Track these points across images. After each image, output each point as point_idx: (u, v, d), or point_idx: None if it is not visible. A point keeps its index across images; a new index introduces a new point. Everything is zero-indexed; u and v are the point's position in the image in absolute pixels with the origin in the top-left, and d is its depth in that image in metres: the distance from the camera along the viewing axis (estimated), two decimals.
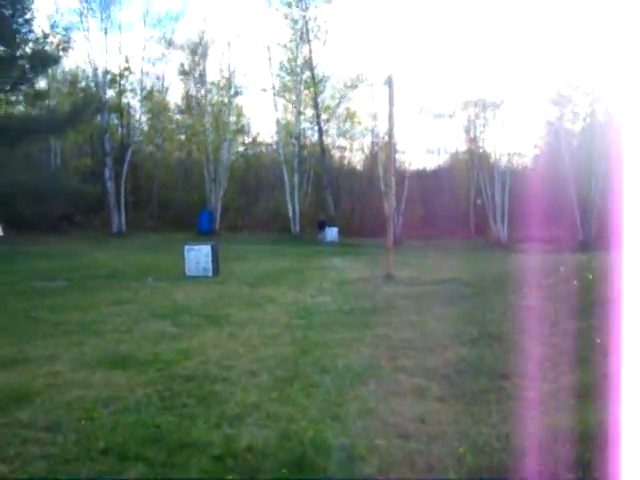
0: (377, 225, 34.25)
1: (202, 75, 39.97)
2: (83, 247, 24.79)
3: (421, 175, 42.93)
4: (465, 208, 40.97)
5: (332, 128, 43.45)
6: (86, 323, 8.57)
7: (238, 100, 42.10)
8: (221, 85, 39.67)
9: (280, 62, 38.01)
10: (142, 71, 36.61)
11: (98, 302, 10.46)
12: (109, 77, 36.43)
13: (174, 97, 45.33)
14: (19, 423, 4.64)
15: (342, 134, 44.87)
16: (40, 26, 28.41)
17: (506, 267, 15.70)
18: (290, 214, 36.74)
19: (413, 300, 10.88)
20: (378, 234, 31.32)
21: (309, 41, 37.01)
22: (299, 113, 37.97)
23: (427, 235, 34.63)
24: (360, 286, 13.17)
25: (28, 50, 27.62)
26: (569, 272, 10.44)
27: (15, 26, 26.78)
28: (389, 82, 14.47)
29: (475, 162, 39.53)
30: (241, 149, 46.95)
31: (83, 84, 37.68)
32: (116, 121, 39.58)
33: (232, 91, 39.32)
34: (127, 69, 37.02)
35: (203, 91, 40.19)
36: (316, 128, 39.54)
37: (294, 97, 38.22)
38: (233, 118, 41.41)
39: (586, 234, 33.15)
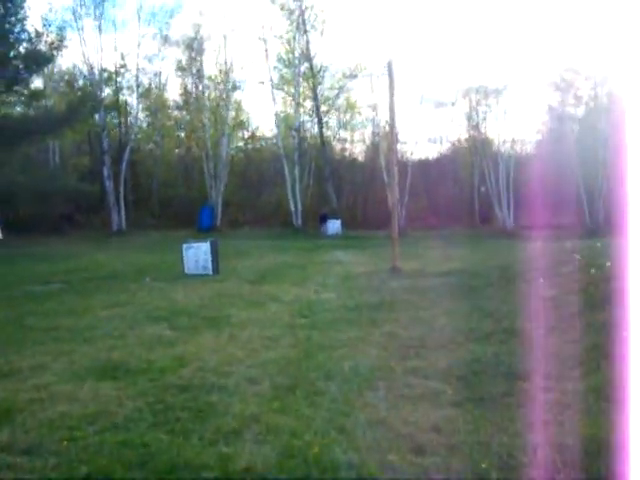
0: (380, 216, 33.82)
1: (199, 70, 39.50)
2: (82, 247, 24.37)
3: (423, 164, 42.39)
4: (469, 196, 40.42)
5: (332, 119, 43.01)
6: (79, 329, 8.14)
7: (237, 95, 41.66)
8: (219, 80, 39.16)
9: (277, 54, 37.56)
10: (137, 67, 36.07)
11: (93, 306, 10.02)
12: (105, 75, 35.95)
13: (172, 93, 44.79)
14: None
15: (342, 125, 44.35)
16: (33, 25, 27.95)
17: (515, 256, 15.18)
18: (292, 208, 36.25)
19: (420, 294, 10.43)
20: (381, 225, 30.92)
21: (306, 31, 36.49)
22: (298, 105, 37.43)
23: (431, 225, 34.15)
24: (365, 280, 12.71)
25: (22, 50, 27.16)
26: (584, 260, 9.97)
27: (7, 26, 26.36)
28: (389, 67, 13.99)
29: (478, 149, 38.97)
30: (241, 144, 46.51)
31: (79, 83, 37.09)
32: (114, 120, 39.19)
33: (230, 85, 38.79)
34: (123, 66, 36.59)
35: (201, 87, 39.73)
36: (316, 120, 39.04)
37: (292, 89, 37.71)
38: (232, 113, 40.91)
39: (593, 220, 32.60)
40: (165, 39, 37.12)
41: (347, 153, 47.05)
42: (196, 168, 41.61)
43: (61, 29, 28.76)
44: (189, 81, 41.51)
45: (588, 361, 5.66)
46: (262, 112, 76.96)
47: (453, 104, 40.23)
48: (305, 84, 38.33)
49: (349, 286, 11.86)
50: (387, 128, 36.12)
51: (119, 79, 37.32)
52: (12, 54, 26.73)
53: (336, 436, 4.30)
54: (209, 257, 13.85)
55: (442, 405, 4.89)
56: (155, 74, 40.36)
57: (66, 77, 39.63)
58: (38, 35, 26.74)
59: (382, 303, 9.56)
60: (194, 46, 38.56)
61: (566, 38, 47.46)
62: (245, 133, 47.06)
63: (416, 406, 4.86)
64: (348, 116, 43.40)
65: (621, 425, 4.10)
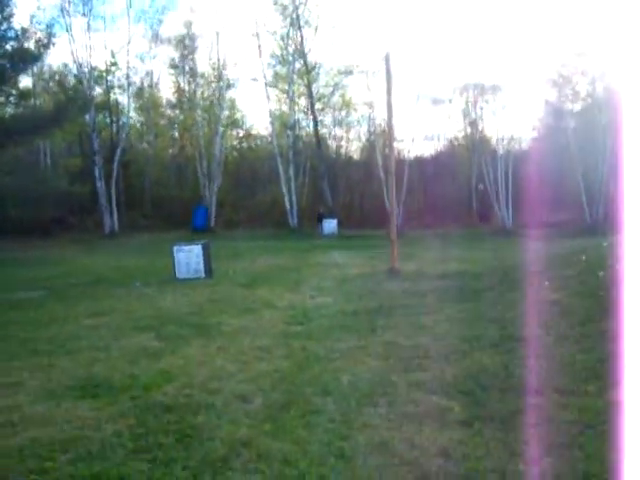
0: (377, 215, 33.46)
1: (192, 68, 39.02)
2: (72, 251, 23.92)
3: (420, 162, 41.96)
4: (467, 194, 40.04)
5: (327, 117, 42.56)
6: (60, 340, 7.69)
7: (230, 93, 41.21)
8: (212, 78, 38.67)
9: (271, 51, 37.10)
10: (128, 66, 35.48)
11: (77, 314, 9.57)
12: (95, 73, 35.39)
13: (165, 92, 44.29)
14: None
15: (338, 123, 43.91)
16: (20, 23, 27.40)
17: (517, 256, 14.80)
18: (287, 207, 35.75)
19: (421, 297, 10.00)
20: (378, 224, 30.54)
21: (300, 27, 35.97)
22: (292, 102, 36.96)
23: (429, 224, 33.72)
24: (362, 283, 12.26)
25: (8, 48, 26.57)
26: (591, 261, 9.56)
27: None
28: (387, 60, 13.54)
29: (476, 147, 38.58)
30: (235, 143, 46.05)
31: (70, 82, 36.52)
32: (106, 119, 38.66)
33: (223, 83, 38.28)
34: (114, 64, 35.99)
35: (194, 85, 39.23)
36: (310, 118, 38.59)
37: (287, 86, 37.22)
38: (226, 112, 40.44)
39: (593, 217, 32.20)
40: (156, 37, 36.66)
41: (343, 151, 46.65)
42: (189, 167, 41.15)
43: (49, 27, 28.14)
44: (182, 79, 41.03)
45: (605, 373, 5.24)
46: (256, 110, 76.49)
47: (450, 101, 39.91)
48: (300, 81, 37.86)
49: (346, 290, 11.41)
50: (384, 125, 35.79)
51: (110, 77, 36.75)
52: None
53: (334, 462, 3.90)
54: (201, 260, 13.40)
55: (449, 425, 4.47)
56: (147, 73, 39.98)
57: (56, 77, 39.08)
58: (25, 32, 26.15)
59: (381, 308, 9.12)
60: (186, 43, 38.07)
61: (563, 33, 47.05)
62: (239, 132, 46.67)
63: (421, 426, 4.45)
64: (344, 113, 42.94)
65: None
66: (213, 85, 38.62)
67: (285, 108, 39.28)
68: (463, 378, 5.54)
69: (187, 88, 40.58)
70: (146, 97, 41.48)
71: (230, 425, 4.56)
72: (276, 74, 38.40)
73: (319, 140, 38.71)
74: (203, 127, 38.68)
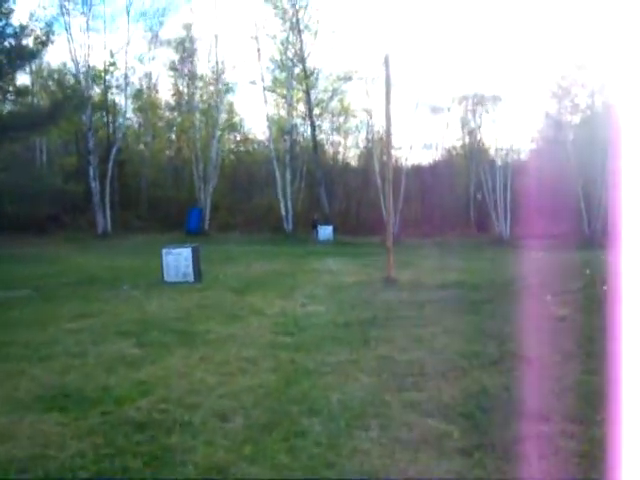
0: (373, 222, 33.07)
1: (191, 71, 38.68)
2: (64, 250, 23.47)
3: (418, 171, 41.63)
4: (465, 204, 39.70)
5: (325, 123, 42.20)
6: (37, 344, 7.26)
7: (229, 97, 40.86)
8: (210, 81, 38.31)
9: (270, 55, 36.73)
10: (126, 66, 35.23)
11: (60, 316, 9.13)
12: (93, 73, 35.07)
13: (163, 93, 43.91)
14: None
15: (336, 129, 43.56)
16: (19, 20, 27.03)
17: (517, 267, 14.42)
18: (283, 212, 35.37)
19: (418, 308, 9.58)
20: (374, 231, 30.13)
21: (300, 31, 35.61)
22: (290, 107, 36.58)
23: (426, 233, 33.35)
24: (357, 292, 11.81)
25: (6, 44, 26.20)
26: (594, 274, 9.17)
27: None
28: (386, 62, 13.18)
29: (474, 156, 38.27)
30: (232, 146, 45.71)
31: (69, 81, 36.11)
32: (104, 119, 38.31)
33: (222, 86, 37.95)
34: (112, 64, 35.64)
35: (192, 87, 38.87)
36: (308, 123, 38.23)
37: (285, 91, 36.85)
38: (224, 115, 40.11)
39: (592, 229, 31.86)
40: (156, 38, 36.38)
41: (340, 157, 46.30)
42: (186, 170, 40.75)
43: (48, 24, 27.78)
44: (181, 82, 40.69)
45: (616, 398, 4.84)
46: (254, 114, 76.05)
47: (449, 110, 39.61)
48: (298, 86, 37.50)
49: (340, 298, 10.97)
50: (382, 133, 35.49)
51: (108, 77, 36.41)
52: None
53: None
54: (190, 264, 12.97)
55: (447, 453, 4.07)
56: (146, 74, 39.69)
57: (55, 75, 38.70)
58: (24, 29, 25.76)
59: (375, 319, 8.70)
60: (186, 46, 37.75)
61: (563, 45, 46.87)
62: (237, 135, 46.33)
63: (416, 454, 4.05)
64: (342, 120, 42.58)
65: None
66: (211, 88, 38.24)
67: (283, 112, 38.96)
68: (462, 399, 5.14)
69: (186, 90, 40.21)
70: (144, 98, 41.14)
71: (206, 447, 4.15)
72: (275, 78, 38.03)
73: (316, 146, 38.37)
74: (200, 130, 38.34)
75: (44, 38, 26.75)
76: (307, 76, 36.73)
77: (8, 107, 30.56)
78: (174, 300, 10.68)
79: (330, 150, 45.32)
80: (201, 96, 39.49)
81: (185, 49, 37.82)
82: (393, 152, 33.22)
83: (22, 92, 30.18)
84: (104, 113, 37.78)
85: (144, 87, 41.12)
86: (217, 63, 37.04)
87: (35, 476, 3.74)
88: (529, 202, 27.62)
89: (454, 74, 48.94)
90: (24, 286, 12.71)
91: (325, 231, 32.30)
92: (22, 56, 25.75)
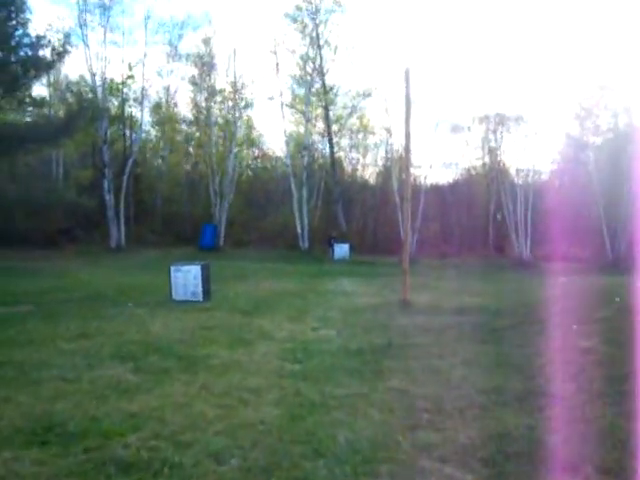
0: (391, 241, 32.59)
1: (210, 86, 38.59)
2: (74, 264, 23.22)
3: (437, 190, 41.01)
4: (484, 224, 39.00)
5: (344, 140, 41.89)
6: (29, 366, 6.85)
7: (248, 112, 40.75)
8: (229, 96, 38.18)
9: (290, 71, 36.57)
10: (144, 78, 35.23)
11: (57, 335, 8.72)
12: (111, 85, 35.14)
13: (182, 108, 43.88)
14: None
15: (354, 146, 43.20)
16: (36, 30, 26.96)
17: (539, 292, 13.81)
18: (299, 229, 34.96)
19: (435, 335, 9.07)
20: (392, 250, 29.63)
21: (319, 46, 35.37)
22: (308, 122, 36.28)
23: (444, 253, 32.79)
24: (371, 315, 11.28)
25: (22, 54, 26.17)
26: (624, 303, 8.61)
27: (9, 30, 25.40)
28: (406, 76, 12.78)
29: (495, 176, 37.70)
30: (250, 162, 45.55)
31: (84, 92, 36.15)
32: (121, 132, 38.33)
33: (240, 102, 37.87)
34: (130, 77, 35.65)
35: (211, 102, 38.75)
36: (327, 139, 37.93)
37: (303, 106, 36.59)
38: (242, 130, 40.00)
39: (615, 253, 31.08)
40: (175, 52, 36.37)
41: (358, 175, 45.91)
42: (202, 185, 40.56)
43: (65, 35, 27.72)
44: (199, 96, 40.62)
45: None
46: (272, 129, 76.06)
47: (469, 129, 39.13)
48: (317, 101, 37.24)
49: (353, 322, 10.46)
50: (401, 151, 35.06)
51: (125, 90, 36.41)
52: (13, 59, 25.72)
53: None
54: (199, 282, 12.55)
55: None
56: (164, 88, 39.72)
57: (73, 88, 38.77)
58: (40, 40, 25.69)
59: (390, 347, 8.18)
60: (204, 60, 37.69)
61: (586, 66, 46.42)
62: (255, 151, 46.19)
63: None
64: (360, 137, 42.23)
65: None
66: (230, 103, 38.11)
67: (301, 129, 38.67)
68: (482, 442, 4.63)
69: (204, 105, 40.12)
70: (162, 112, 41.17)
71: None
72: (293, 94, 37.85)
73: (334, 162, 38.05)
74: (217, 145, 38.17)
75: (61, 49, 26.64)
76: (326, 92, 36.51)
77: (23, 118, 30.58)
78: (180, 320, 10.24)
79: (348, 167, 45.02)
80: (220, 111, 39.40)
81: (204, 63, 37.73)
82: (412, 170, 32.79)
83: (39, 103, 30.06)
84: (121, 126, 37.76)
85: (163, 101, 41.20)
86: (235, 77, 36.97)
87: None
88: (550, 224, 27.04)
89: (475, 93, 48.67)
90: (26, 301, 12.35)
91: (341, 249, 31.85)
92: (38, 67, 25.62)
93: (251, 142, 44.69)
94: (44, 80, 34.38)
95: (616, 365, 6.24)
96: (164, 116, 41.03)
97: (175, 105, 43.52)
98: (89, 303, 12.24)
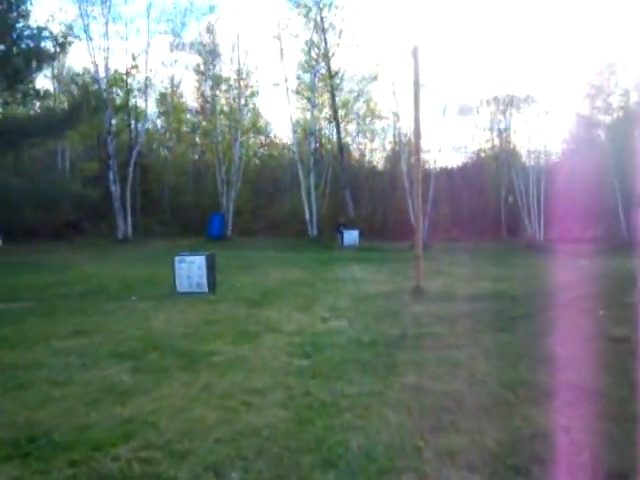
0: (400, 226, 32.05)
1: (214, 73, 38.04)
2: (81, 257, 22.83)
3: (447, 173, 40.30)
4: (495, 207, 38.25)
5: (351, 126, 41.27)
6: (19, 367, 6.42)
7: (254, 99, 40.22)
8: (234, 83, 37.60)
9: (294, 55, 36.02)
10: (147, 68, 34.70)
11: (53, 332, 8.27)
12: (115, 76, 34.71)
13: (187, 97, 43.36)
14: None
15: (361, 131, 42.55)
16: (37, 21, 26.60)
17: (558, 276, 13.26)
18: (307, 216, 34.43)
19: (451, 324, 8.57)
20: (402, 236, 29.09)
21: (324, 30, 34.66)
22: (315, 107, 35.65)
23: (455, 237, 32.21)
24: (383, 304, 10.78)
25: (24, 46, 25.76)
26: None
27: (10, 21, 24.99)
28: (415, 54, 12.21)
29: (506, 158, 37.00)
30: (257, 149, 45.04)
31: (87, 84, 35.69)
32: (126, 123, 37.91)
33: (245, 89, 37.33)
34: (134, 67, 35.12)
35: (217, 91, 38.22)
36: (333, 125, 37.33)
37: (309, 92, 35.96)
38: (248, 116, 39.49)
39: (631, 234, 30.33)
40: (179, 40, 35.82)
41: (366, 160, 45.26)
42: (209, 174, 40.11)
43: (68, 27, 27.34)
44: (205, 85, 40.09)
45: None
46: (279, 117, 75.37)
47: (478, 111, 38.41)
48: (322, 87, 36.60)
49: (364, 311, 9.96)
50: (409, 135, 34.47)
51: (130, 80, 35.93)
52: (15, 51, 25.30)
53: None
54: (204, 273, 12.07)
55: None
56: (169, 77, 39.27)
57: (77, 79, 38.34)
58: (41, 32, 25.27)
59: (404, 337, 7.70)
60: (209, 48, 37.13)
61: (596, 44, 45.53)
62: (262, 138, 45.67)
63: None
64: (368, 121, 41.55)
65: None
66: (235, 92, 37.54)
67: (308, 115, 38.07)
68: (512, 446, 4.16)
69: (209, 94, 39.57)
70: (168, 102, 40.71)
71: None
72: (299, 78, 37.18)
73: (342, 148, 37.43)
74: (224, 133, 37.67)
75: (63, 40, 26.29)
76: (332, 76, 35.84)
77: (28, 111, 30.21)
78: (183, 313, 9.79)
79: (356, 153, 44.41)
80: (226, 99, 38.90)
81: (208, 52, 37.16)
82: (421, 154, 32.16)
83: (42, 95, 29.66)
84: (126, 117, 37.33)
85: (167, 90, 40.72)
86: (240, 65, 36.40)
87: None
88: (563, 205, 26.42)
89: (483, 74, 47.84)
90: (28, 297, 11.95)
91: (350, 236, 31.34)
92: (40, 58, 25.22)
93: (257, 130, 44.17)
94: (47, 72, 34.00)
95: None
96: (169, 106, 40.53)
97: (181, 95, 43.07)
98: (91, 297, 11.80)
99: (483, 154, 43.73)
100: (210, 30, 37.20)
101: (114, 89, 35.79)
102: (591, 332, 6.85)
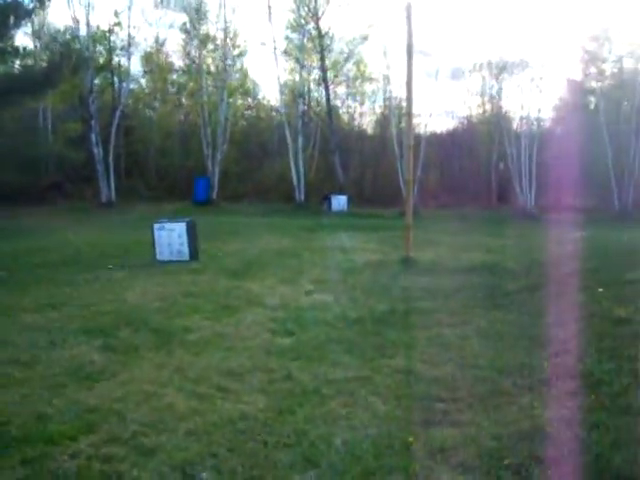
0: (390, 192, 31.65)
1: (200, 32, 36.93)
2: (60, 221, 22.21)
3: (438, 138, 39.66)
4: (486, 174, 37.74)
5: (341, 88, 40.46)
6: None
7: (241, 60, 39.26)
8: (220, 43, 36.56)
9: (283, 14, 35.04)
10: (129, 24, 33.53)
11: (22, 306, 7.81)
12: (97, 34, 33.58)
13: (173, 57, 42.24)
14: None
15: (351, 94, 41.74)
16: None
17: (553, 247, 12.88)
18: (294, 181, 33.74)
19: (443, 299, 8.18)
20: (391, 202, 28.69)
21: None
22: (303, 68, 34.78)
23: (445, 204, 31.79)
24: (372, 276, 10.38)
25: (0, 1, 24.64)
26: None
27: None
28: (408, 11, 11.64)
29: (498, 124, 36.43)
30: (244, 112, 44.08)
31: (67, 41, 34.50)
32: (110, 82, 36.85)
33: (234, 51, 36.36)
34: (117, 24, 34.00)
35: (203, 51, 37.15)
36: (322, 87, 36.51)
37: (298, 52, 35.04)
38: (234, 78, 38.51)
39: (623, 204, 30.06)
40: None
41: (355, 124, 44.48)
42: (195, 136, 39.17)
43: None
44: (191, 44, 38.98)
45: None
46: (267, 78, 74.08)
47: (470, 76, 37.77)
48: (312, 48, 35.69)
49: (352, 284, 9.55)
50: (400, 98, 33.82)
51: (113, 38, 34.81)
52: None
53: None
54: (185, 241, 11.60)
55: None
56: (154, 37, 38.18)
57: (58, 37, 37.08)
58: None
59: (393, 313, 7.32)
60: (194, 5, 35.97)
61: (591, 11, 44.74)
62: (249, 100, 44.69)
63: None
64: (357, 83, 40.71)
65: None
66: (220, 51, 36.51)
67: (296, 77, 37.18)
68: (510, 442, 3.80)
69: (196, 53, 38.49)
70: (152, 61, 39.57)
71: None
72: (287, 39, 36.22)
73: (331, 111, 36.65)
74: (209, 94, 36.71)
75: None
76: (321, 36, 34.92)
77: (4, 69, 29.10)
78: (161, 285, 9.33)
79: (345, 116, 43.60)
80: (212, 59, 37.86)
81: (194, 9, 36.00)
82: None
83: (22, 53, 28.55)
84: (109, 76, 36.24)
85: (152, 50, 39.57)
86: (226, 22, 35.29)
87: None
88: (555, 173, 26.05)
89: (477, 38, 47.00)
90: (0, 266, 11.42)
91: (339, 201, 30.87)
92: (18, 14, 24.09)
93: (245, 91, 43.16)
94: (27, 30, 32.76)
95: None
96: (154, 65, 39.41)
97: (166, 55, 41.90)
98: (66, 266, 11.27)
99: (474, 119, 43.11)
100: None
101: (96, 47, 34.59)
102: (591, 312, 6.47)
